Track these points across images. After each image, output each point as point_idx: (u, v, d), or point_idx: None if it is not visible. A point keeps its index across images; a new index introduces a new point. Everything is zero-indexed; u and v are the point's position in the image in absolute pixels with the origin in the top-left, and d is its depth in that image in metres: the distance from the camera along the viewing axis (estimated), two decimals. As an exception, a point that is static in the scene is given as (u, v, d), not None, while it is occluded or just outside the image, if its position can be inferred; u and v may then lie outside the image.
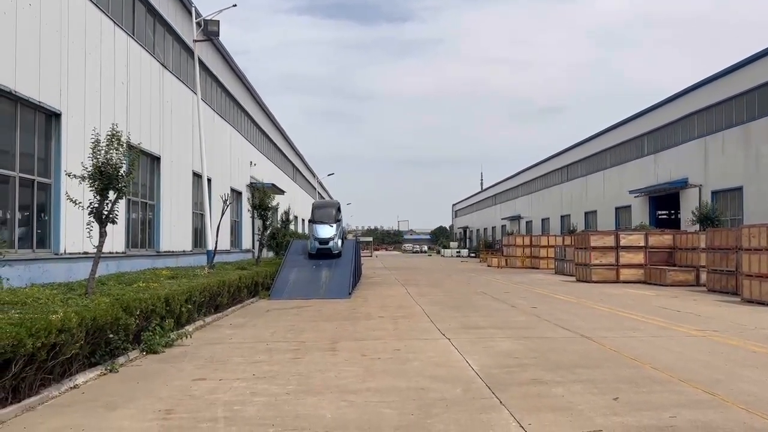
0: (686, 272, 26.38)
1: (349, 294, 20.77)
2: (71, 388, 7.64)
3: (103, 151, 10.17)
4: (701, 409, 6.72)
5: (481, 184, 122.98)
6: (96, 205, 10.16)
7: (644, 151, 44.23)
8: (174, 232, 22.14)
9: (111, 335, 8.86)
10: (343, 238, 24.88)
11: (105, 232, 10.35)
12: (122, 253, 17.44)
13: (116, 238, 16.66)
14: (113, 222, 10.43)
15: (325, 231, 23.45)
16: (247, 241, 35.13)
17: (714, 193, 35.01)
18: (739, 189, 32.69)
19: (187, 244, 23.73)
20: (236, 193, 32.98)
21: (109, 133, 10.39)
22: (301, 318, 15.08)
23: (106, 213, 10.22)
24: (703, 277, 24.83)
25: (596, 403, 6.97)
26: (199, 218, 25.09)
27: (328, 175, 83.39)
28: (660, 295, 21.49)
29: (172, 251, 21.75)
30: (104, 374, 8.48)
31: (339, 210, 25.19)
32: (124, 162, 10.50)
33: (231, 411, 6.68)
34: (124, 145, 10.62)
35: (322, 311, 16.50)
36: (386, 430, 5.99)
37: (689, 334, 12.28)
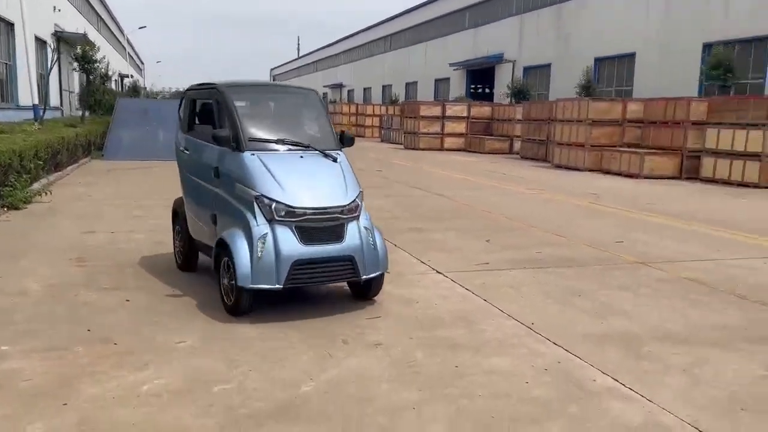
0: (502, 141, 29.04)
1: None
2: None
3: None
4: (557, 246, 8.10)
5: (298, 50, 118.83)
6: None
7: (465, 24, 46.06)
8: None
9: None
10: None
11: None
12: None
13: None
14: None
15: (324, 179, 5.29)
16: (54, 98, 31.75)
17: (526, 69, 38.01)
18: (548, 66, 35.83)
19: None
20: (41, 42, 29.25)
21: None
22: (151, 177, 14.71)
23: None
24: (517, 146, 27.55)
25: (473, 245, 8.05)
26: (4, 68, 22.17)
27: (140, 28, 74.77)
28: (482, 162, 23.65)
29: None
30: (-27, 230, 7.91)
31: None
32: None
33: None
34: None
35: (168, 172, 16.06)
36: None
37: (523, 192, 14.05)
